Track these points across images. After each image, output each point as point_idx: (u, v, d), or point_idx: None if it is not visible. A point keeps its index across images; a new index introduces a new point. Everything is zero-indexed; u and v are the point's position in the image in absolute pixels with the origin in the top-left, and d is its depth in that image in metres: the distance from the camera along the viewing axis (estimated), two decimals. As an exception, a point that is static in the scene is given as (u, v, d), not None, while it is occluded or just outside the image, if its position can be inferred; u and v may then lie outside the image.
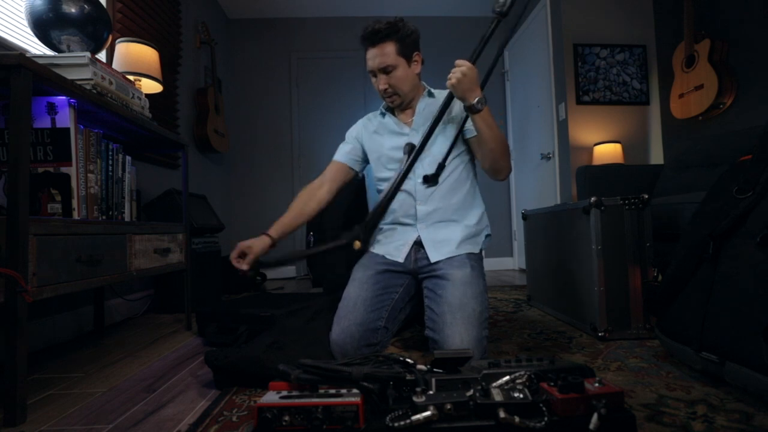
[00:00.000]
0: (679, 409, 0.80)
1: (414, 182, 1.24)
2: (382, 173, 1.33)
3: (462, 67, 1.05)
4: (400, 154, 1.24)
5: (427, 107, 1.28)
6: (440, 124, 1.22)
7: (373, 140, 1.35)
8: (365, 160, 1.40)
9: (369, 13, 3.63)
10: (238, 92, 3.64)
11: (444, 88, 1.31)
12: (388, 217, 1.32)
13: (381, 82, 1.22)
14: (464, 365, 0.70)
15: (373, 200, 1.45)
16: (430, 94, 1.31)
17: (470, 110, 1.09)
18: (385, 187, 1.28)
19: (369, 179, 1.35)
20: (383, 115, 1.35)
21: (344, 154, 1.38)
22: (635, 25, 2.73)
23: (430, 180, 1.21)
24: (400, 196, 1.25)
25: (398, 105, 1.28)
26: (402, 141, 1.26)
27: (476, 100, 1.07)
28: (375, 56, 1.19)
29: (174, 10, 2.56)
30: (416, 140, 1.22)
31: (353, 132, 1.40)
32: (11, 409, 0.83)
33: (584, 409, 0.56)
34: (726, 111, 2.16)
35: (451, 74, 1.06)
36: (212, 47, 3.01)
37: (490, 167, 1.20)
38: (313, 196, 1.31)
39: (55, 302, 1.53)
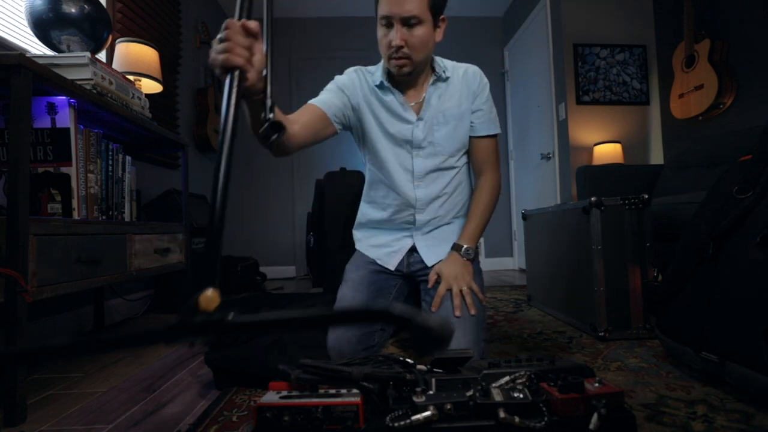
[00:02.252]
0: (679, 409, 0.80)
1: (414, 191, 1.14)
2: (376, 159, 1.17)
3: (465, 292, 1.03)
4: (401, 144, 1.12)
5: (442, 97, 1.11)
6: (443, 115, 1.11)
7: (370, 115, 1.13)
8: (348, 126, 1.15)
9: (369, 13, 3.61)
10: (238, 92, 3.64)
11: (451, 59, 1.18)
12: (382, 206, 1.21)
13: (397, 36, 0.97)
14: (464, 365, 0.69)
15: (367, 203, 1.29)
16: (441, 78, 1.11)
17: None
18: (380, 175, 1.17)
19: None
20: (383, 88, 1.11)
21: (330, 105, 1.07)
22: (635, 25, 2.73)
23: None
24: (397, 202, 1.16)
25: (404, 73, 1.05)
26: (406, 129, 1.10)
27: (470, 255, 1.09)
28: (402, 0, 0.95)
29: (174, 10, 2.56)
30: (420, 132, 1.10)
31: (345, 85, 1.12)
32: (11, 409, 0.83)
33: (584, 409, 0.56)
34: (726, 111, 2.16)
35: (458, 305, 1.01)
36: (212, 47, 3.01)
37: None
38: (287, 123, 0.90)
39: (55, 302, 1.53)
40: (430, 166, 1.13)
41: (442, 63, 1.14)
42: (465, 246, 1.08)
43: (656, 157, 2.70)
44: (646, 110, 2.73)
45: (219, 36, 0.61)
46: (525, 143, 3.39)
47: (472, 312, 1.00)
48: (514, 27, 3.50)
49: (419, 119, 1.11)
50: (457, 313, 0.99)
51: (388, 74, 1.11)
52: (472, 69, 1.16)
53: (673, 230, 1.57)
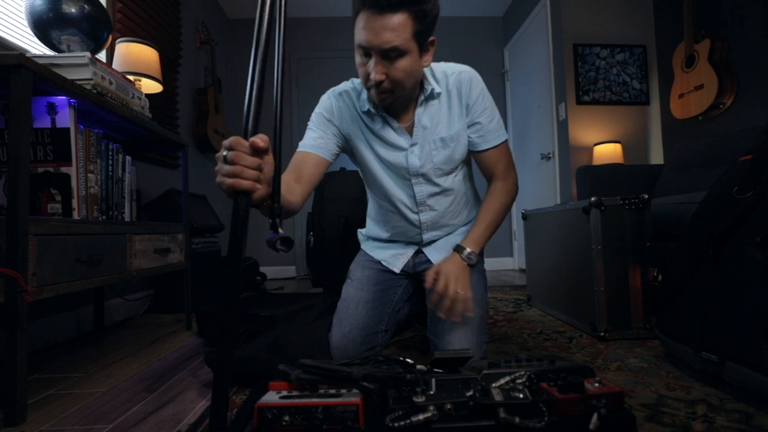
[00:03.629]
0: (679, 409, 0.80)
1: (418, 215, 1.12)
2: (373, 187, 1.16)
3: (459, 295, 0.93)
4: (399, 172, 1.08)
5: (433, 117, 1.03)
6: (440, 140, 1.04)
7: (363, 144, 1.08)
8: (343, 149, 1.11)
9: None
10: (238, 92, 3.65)
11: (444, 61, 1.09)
12: (388, 229, 1.21)
13: (377, 71, 0.86)
14: (464, 365, 0.69)
15: (371, 209, 1.29)
16: (432, 95, 1.02)
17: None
18: (381, 202, 1.15)
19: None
20: (372, 116, 1.04)
21: (323, 147, 1.02)
22: (635, 25, 2.73)
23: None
24: (402, 224, 1.16)
25: (388, 104, 0.96)
26: (400, 156, 1.05)
27: (471, 260, 1.00)
28: (379, 29, 0.82)
29: (174, 10, 2.56)
30: (417, 159, 1.04)
31: (332, 113, 1.05)
32: (11, 408, 0.83)
33: (584, 409, 0.56)
34: (726, 111, 2.16)
35: (447, 284, 0.93)
36: (212, 47, 3.02)
37: None
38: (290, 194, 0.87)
39: (55, 302, 1.53)
40: (432, 190, 1.09)
41: (432, 74, 1.03)
42: (468, 250, 1.01)
43: (656, 157, 2.70)
44: (646, 110, 2.73)
45: (224, 154, 0.56)
46: (525, 143, 3.39)
47: (469, 314, 0.95)
48: (514, 27, 3.50)
49: (413, 144, 1.04)
50: (442, 315, 0.93)
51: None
52: (464, 75, 1.03)
53: (673, 230, 1.57)
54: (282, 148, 1.02)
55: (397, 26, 0.82)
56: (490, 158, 1.08)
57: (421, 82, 1.01)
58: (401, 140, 1.04)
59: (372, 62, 0.86)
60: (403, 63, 0.87)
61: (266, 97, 0.59)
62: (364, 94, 1.02)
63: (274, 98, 0.62)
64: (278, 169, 0.63)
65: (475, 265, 1.04)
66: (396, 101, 0.96)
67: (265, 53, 0.58)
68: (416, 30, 0.85)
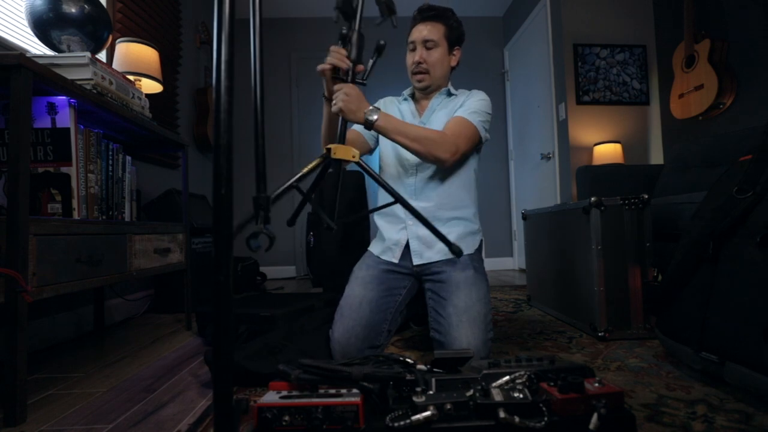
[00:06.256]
0: (679, 409, 0.80)
1: (408, 176, 1.23)
2: (387, 158, 1.30)
3: (343, 87, 0.99)
4: None
5: (441, 103, 1.28)
6: (439, 114, 1.24)
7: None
8: (378, 140, 1.35)
9: (369, 14, 3.62)
10: (237, 92, 3.64)
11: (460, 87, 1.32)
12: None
13: (417, 54, 1.21)
14: (464, 365, 0.70)
15: (372, 200, 1.41)
16: (449, 93, 1.29)
17: (368, 126, 1.04)
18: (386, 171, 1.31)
19: (369, 179, 1.30)
20: (405, 100, 1.35)
21: (367, 133, 1.29)
22: (635, 25, 2.73)
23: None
24: (397, 186, 1.22)
25: (423, 87, 1.26)
26: None
27: (368, 115, 1.02)
28: (422, 29, 1.21)
29: (174, 10, 2.57)
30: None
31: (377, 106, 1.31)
32: (11, 408, 0.83)
33: (584, 409, 0.56)
34: (726, 111, 2.16)
35: (335, 98, 0.99)
36: (212, 47, 3.02)
37: (425, 161, 1.17)
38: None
39: (55, 302, 1.53)
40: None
41: (455, 88, 1.31)
42: (376, 114, 1.03)
43: (656, 157, 2.70)
44: (646, 110, 2.73)
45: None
46: (525, 143, 3.39)
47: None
48: (514, 27, 3.50)
49: (421, 122, 1.26)
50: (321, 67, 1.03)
51: (413, 94, 1.35)
52: (475, 90, 1.29)
53: (673, 230, 1.57)
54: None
55: (433, 29, 1.21)
56: (451, 122, 1.18)
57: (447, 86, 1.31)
58: (415, 120, 1.29)
59: (416, 52, 1.22)
60: (436, 53, 1.22)
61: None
62: (401, 97, 1.37)
63: (252, 90, 0.63)
64: (263, 159, 0.63)
65: (372, 122, 1.03)
66: (430, 86, 1.26)
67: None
68: (446, 34, 1.22)
